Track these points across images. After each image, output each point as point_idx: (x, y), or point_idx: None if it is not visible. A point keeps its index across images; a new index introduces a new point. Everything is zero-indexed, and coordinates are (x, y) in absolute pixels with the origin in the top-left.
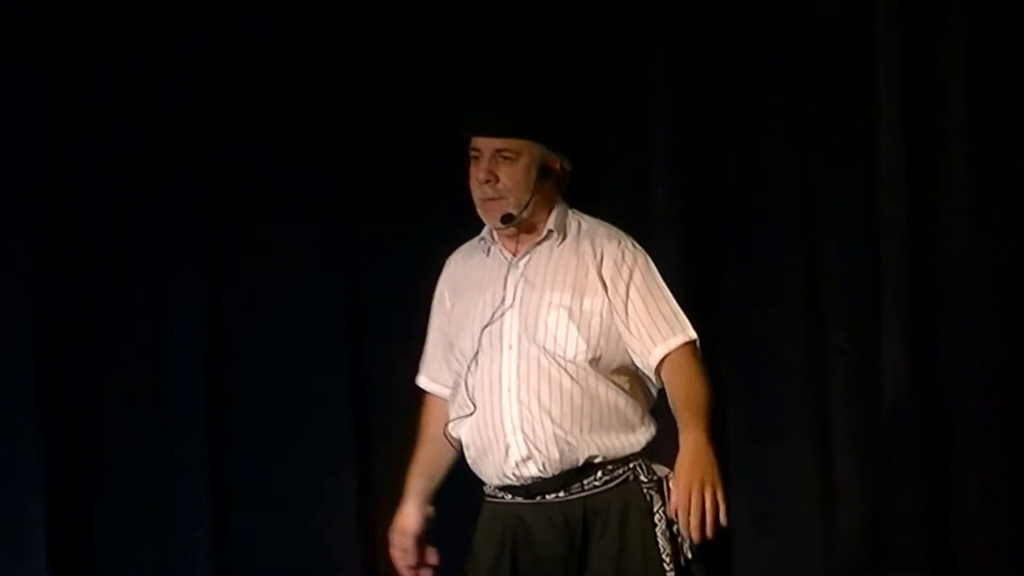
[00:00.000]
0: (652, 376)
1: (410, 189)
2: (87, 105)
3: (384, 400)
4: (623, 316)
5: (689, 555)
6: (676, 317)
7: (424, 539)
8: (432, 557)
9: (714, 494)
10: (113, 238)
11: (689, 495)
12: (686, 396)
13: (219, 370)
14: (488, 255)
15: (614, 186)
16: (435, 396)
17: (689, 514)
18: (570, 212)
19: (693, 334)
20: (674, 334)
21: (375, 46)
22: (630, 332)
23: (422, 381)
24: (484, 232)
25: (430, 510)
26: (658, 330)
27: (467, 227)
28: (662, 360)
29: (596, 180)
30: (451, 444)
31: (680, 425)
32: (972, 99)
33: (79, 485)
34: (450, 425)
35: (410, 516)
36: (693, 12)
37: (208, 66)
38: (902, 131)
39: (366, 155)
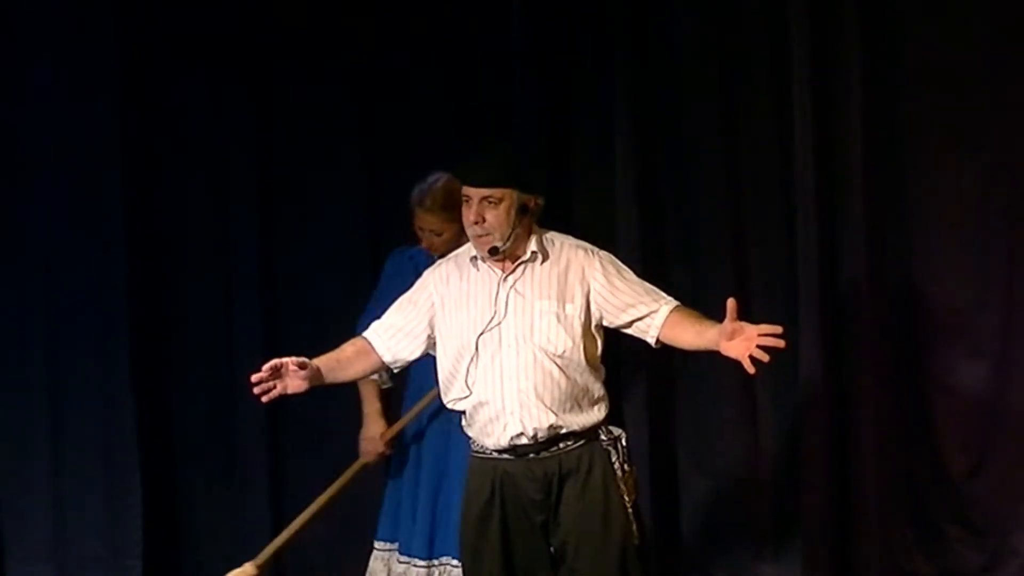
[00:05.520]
0: (653, 331)
1: None
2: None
3: None
4: (618, 300)
5: (636, 494)
6: (657, 290)
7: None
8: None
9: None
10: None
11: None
12: (698, 318)
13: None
14: (478, 270)
15: (586, 203)
16: (369, 344)
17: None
18: (545, 235)
19: (675, 302)
20: (666, 300)
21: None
22: (630, 305)
23: (371, 336)
24: (475, 251)
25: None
26: (652, 298)
27: None
28: (667, 316)
29: (570, 198)
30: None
31: (710, 327)
32: (867, 148)
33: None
34: (449, 403)
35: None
36: (648, 74)
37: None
38: (813, 174)
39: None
